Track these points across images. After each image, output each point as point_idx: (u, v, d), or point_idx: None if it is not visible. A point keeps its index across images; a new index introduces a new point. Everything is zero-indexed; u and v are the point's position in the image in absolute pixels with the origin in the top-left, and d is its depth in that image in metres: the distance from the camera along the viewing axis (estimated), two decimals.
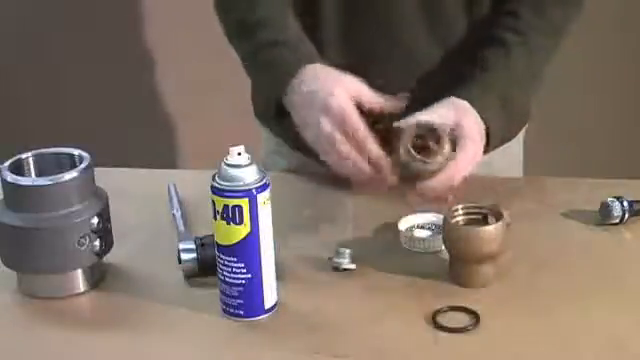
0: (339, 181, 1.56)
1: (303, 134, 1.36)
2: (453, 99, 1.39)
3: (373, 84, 1.35)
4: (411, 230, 1.39)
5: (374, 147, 1.29)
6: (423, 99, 1.38)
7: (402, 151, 1.29)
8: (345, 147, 1.30)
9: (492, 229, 1.27)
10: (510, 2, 1.50)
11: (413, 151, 1.30)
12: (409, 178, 1.31)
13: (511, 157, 1.66)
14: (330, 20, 1.51)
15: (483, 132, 1.38)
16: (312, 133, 1.34)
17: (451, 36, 1.51)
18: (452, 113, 1.35)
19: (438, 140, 1.31)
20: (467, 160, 1.33)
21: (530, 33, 1.48)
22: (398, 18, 1.49)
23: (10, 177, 1.27)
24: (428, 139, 1.31)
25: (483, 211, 1.31)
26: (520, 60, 1.47)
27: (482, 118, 1.38)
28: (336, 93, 1.31)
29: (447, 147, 1.31)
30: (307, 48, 1.43)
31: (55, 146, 1.35)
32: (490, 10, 1.52)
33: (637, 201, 1.43)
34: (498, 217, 1.29)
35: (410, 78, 1.50)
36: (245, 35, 1.46)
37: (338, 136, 1.30)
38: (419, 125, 1.31)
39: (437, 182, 1.30)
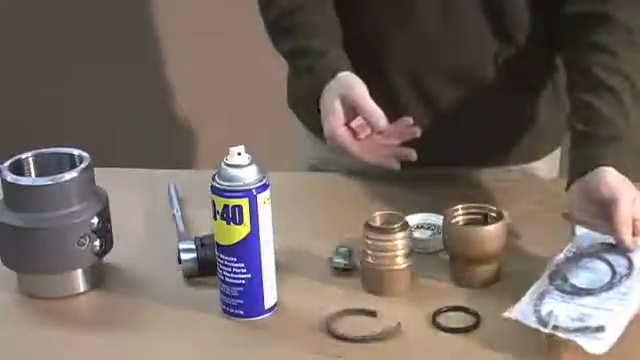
0: (340, 181, 1.56)
1: None
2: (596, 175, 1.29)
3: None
4: (411, 230, 1.38)
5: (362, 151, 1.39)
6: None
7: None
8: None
9: (492, 229, 1.27)
10: (599, 34, 1.40)
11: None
12: None
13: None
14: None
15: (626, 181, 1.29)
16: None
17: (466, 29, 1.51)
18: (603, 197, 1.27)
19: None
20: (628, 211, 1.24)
21: (633, 73, 1.38)
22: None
23: (10, 177, 1.27)
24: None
25: (483, 211, 1.31)
26: (632, 106, 1.37)
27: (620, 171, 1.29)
28: (327, 128, 1.39)
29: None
30: (333, 57, 1.46)
31: (55, 146, 1.35)
32: (573, 40, 1.44)
33: None
34: (498, 217, 1.29)
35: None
36: (283, 37, 1.51)
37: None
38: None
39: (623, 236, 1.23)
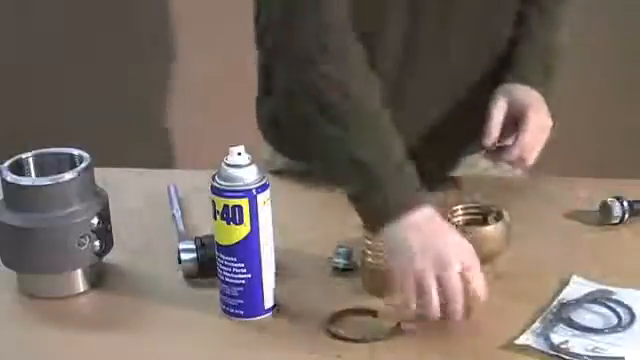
0: None
1: (392, 258, 1.23)
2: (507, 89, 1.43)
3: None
4: None
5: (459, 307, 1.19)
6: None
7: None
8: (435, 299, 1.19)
9: (492, 229, 1.27)
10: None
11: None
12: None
13: None
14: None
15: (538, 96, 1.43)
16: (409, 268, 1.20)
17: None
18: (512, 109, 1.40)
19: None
20: (535, 130, 1.38)
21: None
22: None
23: (10, 177, 1.27)
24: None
25: (483, 211, 1.31)
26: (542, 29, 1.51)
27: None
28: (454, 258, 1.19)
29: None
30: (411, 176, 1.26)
31: (55, 146, 1.35)
32: None
33: (637, 201, 1.43)
34: (498, 217, 1.29)
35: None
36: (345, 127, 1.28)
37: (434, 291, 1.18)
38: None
39: (513, 154, 1.36)
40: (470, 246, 1.21)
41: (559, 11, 1.53)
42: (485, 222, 1.30)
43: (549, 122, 1.42)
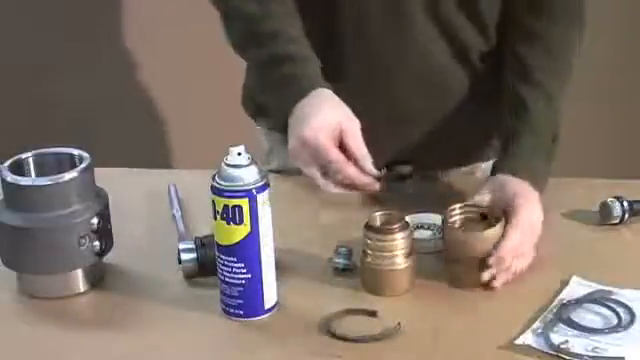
0: None
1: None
2: (500, 179, 1.37)
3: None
4: (411, 230, 1.38)
5: (353, 173, 1.31)
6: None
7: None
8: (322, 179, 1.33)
9: (492, 229, 1.27)
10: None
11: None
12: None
13: None
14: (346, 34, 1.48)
15: (534, 192, 1.35)
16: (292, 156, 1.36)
17: (461, 42, 1.50)
18: (502, 195, 1.33)
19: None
20: (525, 231, 1.30)
21: (545, 82, 1.46)
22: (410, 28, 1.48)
23: (10, 177, 1.27)
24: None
25: (481, 210, 1.31)
26: (542, 114, 1.44)
27: (530, 180, 1.37)
28: (313, 126, 1.31)
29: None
30: (315, 67, 1.40)
31: (55, 146, 1.35)
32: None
33: (637, 201, 1.43)
34: (497, 219, 1.29)
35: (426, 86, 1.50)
36: (256, 45, 1.43)
37: (314, 170, 1.33)
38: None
39: (505, 252, 1.27)
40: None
41: (559, 90, 1.47)
42: (483, 220, 1.30)
43: (540, 218, 1.33)
